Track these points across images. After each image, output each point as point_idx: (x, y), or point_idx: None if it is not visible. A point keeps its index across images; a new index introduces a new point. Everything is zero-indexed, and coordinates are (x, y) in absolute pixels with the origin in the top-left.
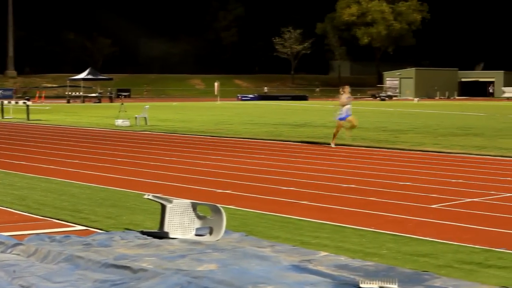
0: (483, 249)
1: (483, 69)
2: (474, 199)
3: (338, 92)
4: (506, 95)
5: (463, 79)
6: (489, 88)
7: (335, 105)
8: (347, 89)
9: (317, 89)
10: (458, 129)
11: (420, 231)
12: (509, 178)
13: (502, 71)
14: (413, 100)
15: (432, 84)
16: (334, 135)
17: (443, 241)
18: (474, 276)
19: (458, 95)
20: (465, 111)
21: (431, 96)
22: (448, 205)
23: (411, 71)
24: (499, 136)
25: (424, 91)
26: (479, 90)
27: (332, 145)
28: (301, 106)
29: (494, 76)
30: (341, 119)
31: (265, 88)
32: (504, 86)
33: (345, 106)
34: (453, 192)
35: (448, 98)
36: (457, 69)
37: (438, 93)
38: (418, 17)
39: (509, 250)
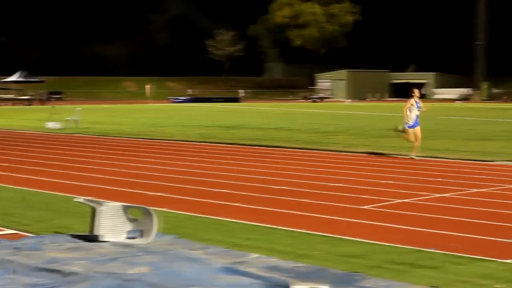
0: (414, 249)
1: (415, 71)
2: (405, 200)
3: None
4: (437, 96)
5: (394, 81)
6: (422, 89)
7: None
8: (417, 92)
9: (242, 91)
10: (389, 130)
11: (351, 232)
12: (439, 179)
13: (434, 73)
14: (345, 101)
15: (364, 85)
16: (414, 147)
17: (374, 242)
18: (405, 277)
19: (390, 97)
20: (397, 113)
21: (362, 98)
22: (379, 206)
23: (343, 73)
24: (429, 138)
25: (356, 93)
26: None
27: (414, 157)
28: (233, 108)
29: (426, 78)
30: (410, 127)
31: (189, 90)
32: (436, 88)
33: (413, 112)
34: (384, 193)
35: (380, 99)
36: (388, 70)
37: (369, 94)
38: (350, 19)
39: (439, 250)
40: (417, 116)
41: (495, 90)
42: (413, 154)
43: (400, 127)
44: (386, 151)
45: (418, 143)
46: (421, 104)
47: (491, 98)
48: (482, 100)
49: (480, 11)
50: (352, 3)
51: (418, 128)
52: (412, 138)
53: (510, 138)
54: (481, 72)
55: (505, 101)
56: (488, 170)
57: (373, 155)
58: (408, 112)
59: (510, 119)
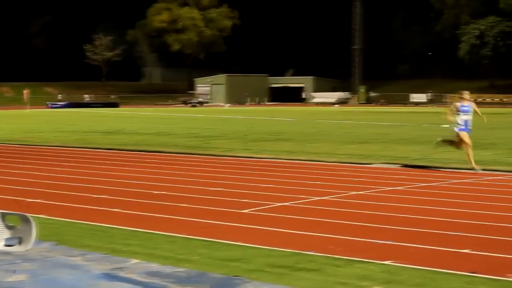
0: (293, 252)
1: (293, 75)
2: (284, 203)
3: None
4: (315, 100)
5: (273, 85)
6: (303, 93)
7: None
8: (467, 95)
9: (87, 96)
10: (268, 134)
11: (231, 237)
12: (318, 182)
13: (312, 77)
14: (224, 106)
15: (243, 90)
16: (468, 156)
17: (254, 246)
18: (285, 280)
19: (269, 101)
20: (276, 117)
21: (242, 102)
22: (259, 209)
23: (222, 78)
24: (308, 141)
25: (235, 97)
26: (290, 96)
27: (477, 169)
28: (112, 113)
29: (304, 82)
30: (462, 130)
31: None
32: (314, 92)
33: (461, 116)
34: (264, 196)
35: (259, 104)
36: (267, 75)
37: (248, 99)
38: (229, 23)
39: (318, 253)
40: (467, 121)
41: (372, 94)
42: (476, 167)
43: (440, 139)
44: (265, 155)
45: (469, 151)
46: (474, 106)
47: (368, 101)
48: (359, 104)
49: (356, 15)
50: (230, 8)
51: (466, 134)
52: (466, 140)
53: (387, 141)
54: (358, 76)
55: (382, 104)
56: (365, 173)
57: (252, 159)
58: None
59: (386, 122)
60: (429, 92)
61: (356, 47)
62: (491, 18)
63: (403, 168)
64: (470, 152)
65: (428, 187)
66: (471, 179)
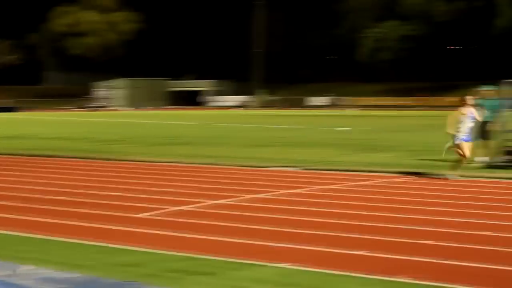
0: (189, 256)
1: (194, 79)
2: (182, 207)
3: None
4: (216, 103)
5: (173, 89)
6: (203, 97)
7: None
8: (471, 100)
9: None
10: (167, 138)
11: (127, 241)
12: (216, 186)
13: (212, 80)
14: (124, 110)
15: (143, 94)
16: (459, 162)
17: (150, 250)
18: (180, 284)
19: (169, 105)
20: (175, 121)
21: (142, 106)
22: (156, 214)
23: (122, 81)
24: (207, 145)
25: (135, 101)
26: (190, 99)
27: (453, 177)
28: (10, 117)
29: (204, 85)
30: (464, 140)
31: None
32: (214, 95)
33: (466, 124)
34: (161, 201)
35: (159, 108)
36: (168, 78)
37: (148, 103)
38: (131, 27)
39: (213, 256)
40: (471, 128)
41: (271, 97)
42: (454, 173)
43: (449, 144)
44: (164, 159)
45: (462, 160)
46: (476, 114)
47: (268, 105)
48: (259, 107)
49: (257, 19)
50: (133, 12)
51: (470, 144)
52: (467, 152)
53: (286, 144)
54: (258, 80)
55: (281, 107)
56: (264, 176)
57: (151, 163)
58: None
59: (286, 125)
60: (330, 95)
61: (258, 50)
62: (392, 22)
63: (301, 171)
64: (463, 162)
65: (325, 190)
66: (369, 181)
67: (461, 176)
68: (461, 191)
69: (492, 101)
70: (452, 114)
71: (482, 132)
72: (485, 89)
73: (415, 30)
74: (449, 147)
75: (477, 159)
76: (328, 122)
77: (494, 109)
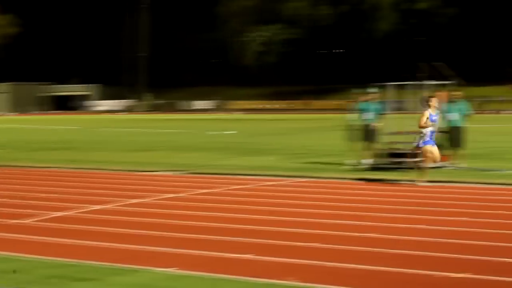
0: (70, 262)
1: (79, 83)
2: (67, 213)
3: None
4: (102, 108)
5: (57, 93)
6: (88, 101)
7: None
8: (435, 102)
9: None
10: (51, 143)
11: (11, 248)
12: (102, 191)
13: (98, 85)
14: (7, 115)
15: (26, 98)
16: (423, 170)
17: (35, 257)
18: None
19: (52, 109)
20: (60, 125)
21: (26, 111)
22: (40, 220)
23: (4, 86)
24: (92, 149)
25: (19, 106)
26: (75, 104)
27: (420, 183)
28: None
29: (89, 90)
30: (428, 143)
31: None
32: (100, 99)
33: (424, 128)
34: (45, 207)
35: (42, 112)
36: (51, 83)
37: (32, 107)
38: (10, 31)
39: (99, 262)
40: (433, 132)
41: (157, 101)
42: (421, 180)
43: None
44: (48, 164)
45: (427, 165)
46: (438, 117)
47: (154, 109)
48: (146, 111)
49: (142, 23)
50: (12, 15)
51: (435, 147)
52: (434, 157)
53: (171, 148)
54: (144, 84)
55: (166, 111)
56: (149, 181)
57: (35, 168)
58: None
59: (172, 129)
60: (214, 99)
61: (142, 54)
62: (276, 26)
63: (186, 175)
64: (428, 166)
65: (210, 194)
66: (253, 185)
67: (396, 180)
68: (343, 193)
69: (376, 104)
70: (424, 115)
71: (366, 134)
72: (370, 92)
73: (298, 33)
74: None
75: (362, 161)
76: (213, 126)
77: (378, 112)
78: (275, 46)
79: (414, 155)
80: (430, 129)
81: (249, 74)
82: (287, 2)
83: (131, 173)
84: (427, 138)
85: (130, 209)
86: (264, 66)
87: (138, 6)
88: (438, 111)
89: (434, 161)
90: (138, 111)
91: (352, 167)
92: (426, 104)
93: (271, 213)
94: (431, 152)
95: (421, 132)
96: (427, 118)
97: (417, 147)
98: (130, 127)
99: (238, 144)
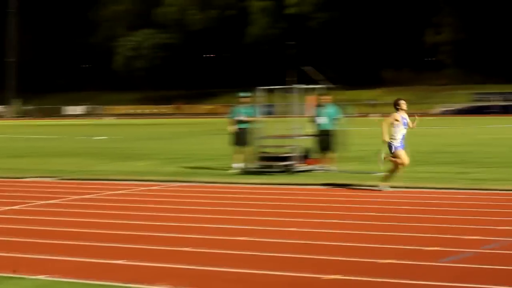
0: None
1: None
2: None
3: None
4: None
5: None
6: None
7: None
8: (404, 105)
9: None
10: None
11: None
12: None
13: None
14: None
15: None
16: (391, 172)
17: None
18: None
19: None
20: None
21: None
22: None
23: None
24: None
25: None
26: None
27: (385, 188)
28: None
29: None
30: (400, 147)
31: None
32: None
33: (399, 130)
34: None
35: None
36: None
37: None
38: None
39: None
40: (404, 135)
41: (26, 107)
42: (384, 184)
43: (384, 153)
44: None
45: (397, 171)
46: (408, 120)
47: (24, 114)
48: (15, 117)
49: (10, 28)
50: None
51: (404, 152)
52: (406, 161)
53: (41, 154)
54: (12, 89)
55: (36, 117)
56: (20, 187)
57: None
58: (391, 129)
59: (42, 135)
60: (86, 104)
61: (10, 59)
62: (146, 31)
63: (58, 181)
64: (400, 172)
65: (83, 200)
66: (127, 190)
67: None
68: (217, 197)
69: (248, 108)
70: (386, 121)
71: (238, 138)
72: (242, 96)
73: (170, 38)
74: (385, 157)
75: (234, 165)
76: (85, 131)
77: (249, 116)
78: (146, 51)
79: (285, 159)
80: (401, 132)
81: (121, 79)
82: (157, 7)
83: (1, 179)
84: (398, 144)
85: (0, 216)
86: (135, 71)
87: (5, 11)
88: (310, 115)
89: (404, 166)
90: (6, 118)
91: (234, 170)
92: (395, 107)
93: (143, 218)
94: (402, 157)
95: (393, 137)
96: (397, 120)
97: (390, 152)
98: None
99: (110, 149)
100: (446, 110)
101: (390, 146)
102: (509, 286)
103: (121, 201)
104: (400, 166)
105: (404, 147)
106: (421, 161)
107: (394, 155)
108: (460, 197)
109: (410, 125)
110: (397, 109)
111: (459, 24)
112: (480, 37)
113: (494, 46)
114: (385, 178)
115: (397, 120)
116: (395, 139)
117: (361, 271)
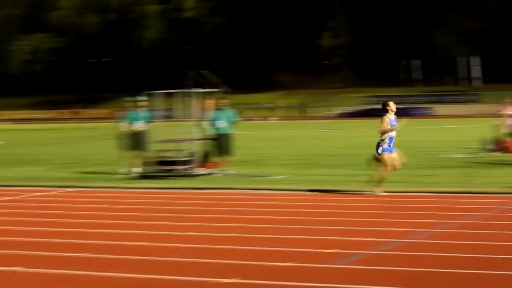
0: None
1: None
2: None
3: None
4: None
5: None
6: None
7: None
8: (394, 106)
9: None
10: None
11: None
12: None
13: None
14: None
15: None
16: (381, 179)
17: None
18: None
19: None
20: None
21: None
22: None
23: None
24: None
25: None
26: None
27: (379, 193)
28: None
29: None
30: (386, 150)
31: None
32: None
33: (386, 132)
34: None
35: None
36: None
37: None
38: None
39: None
40: (392, 138)
41: None
42: (379, 190)
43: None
44: None
45: (386, 174)
46: (397, 122)
47: None
48: None
49: None
50: None
51: (395, 154)
52: (395, 163)
53: None
54: None
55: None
56: None
57: None
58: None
59: None
60: None
61: None
62: (43, 34)
63: None
64: (387, 175)
65: None
66: (21, 196)
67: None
68: (114, 202)
69: (145, 112)
70: (384, 121)
71: (135, 142)
72: (139, 100)
73: (66, 42)
74: (373, 157)
75: (133, 169)
76: None
77: (147, 120)
78: (42, 54)
79: (184, 163)
80: (389, 135)
81: (16, 83)
82: (53, 11)
83: None
84: (386, 145)
85: None
86: (31, 75)
87: None
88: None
89: (394, 168)
90: None
91: (124, 175)
92: (384, 109)
93: (40, 224)
94: (390, 160)
95: (381, 139)
96: (387, 123)
97: (377, 155)
98: None
99: (4, 155)
100: (343, 113)
101: (378, 146)
102: (404, 286)
103: (17, 207)
104: (388, 169)
105: (392, 150)
106: (314, 164)
107: (380, 157)
108: (353, 199)
109: (399, 125)
110: (386, 111)
111: (353, 28)
112: (373, 41)
113: (386, 50)
114: (378, 183)
115: (387, 123)
116: (383, 140)
117: (260, 274)
